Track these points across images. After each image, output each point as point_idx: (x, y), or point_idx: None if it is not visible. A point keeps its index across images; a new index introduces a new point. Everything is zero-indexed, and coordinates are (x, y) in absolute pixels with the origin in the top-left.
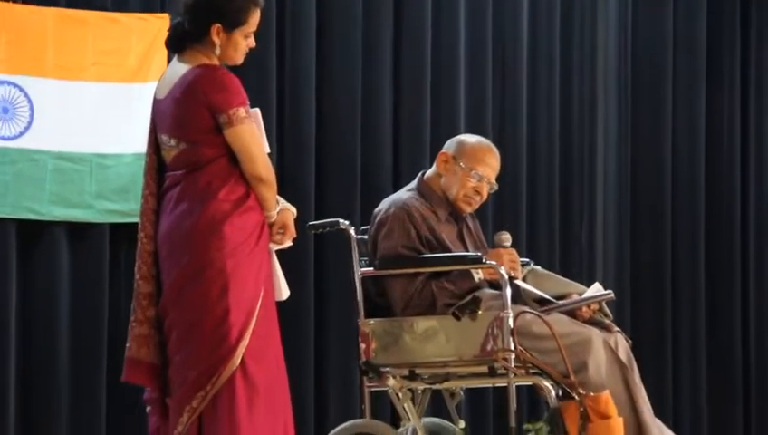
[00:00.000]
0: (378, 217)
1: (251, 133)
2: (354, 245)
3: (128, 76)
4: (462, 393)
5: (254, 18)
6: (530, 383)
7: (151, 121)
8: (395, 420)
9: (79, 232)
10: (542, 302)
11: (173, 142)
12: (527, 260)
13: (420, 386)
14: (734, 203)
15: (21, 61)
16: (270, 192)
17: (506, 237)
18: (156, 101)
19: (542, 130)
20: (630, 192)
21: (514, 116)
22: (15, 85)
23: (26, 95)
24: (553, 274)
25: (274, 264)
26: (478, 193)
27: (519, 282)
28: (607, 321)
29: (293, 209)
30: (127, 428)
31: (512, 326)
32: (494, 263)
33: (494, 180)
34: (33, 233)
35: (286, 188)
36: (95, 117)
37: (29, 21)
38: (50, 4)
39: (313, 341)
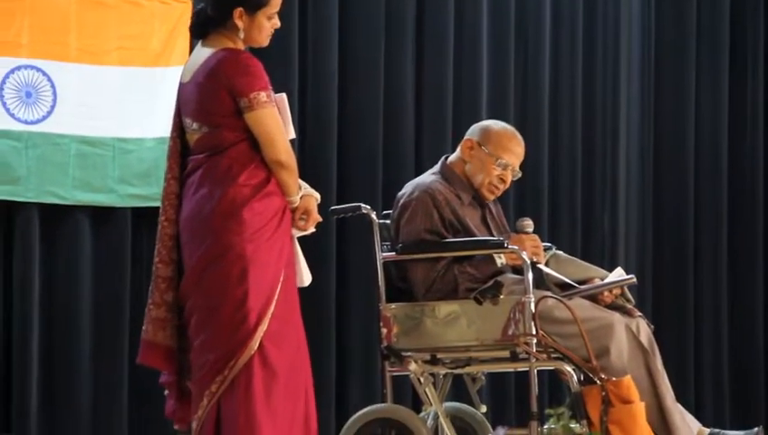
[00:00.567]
0: (401, 201)
1: (272, 118)
2: (376, 229)
3: (150, 60)
4: (483, 378)
5: None
6: (551, 368)
7: (176, 105)
8: (416, 404)
9: (101, 216)
10: (564, 287)
11: (196, 126)
12: (549, 245)
13: (442, 371)
14: (756, 189)
15: (44, 45)
16: (291, 177)
17: (528, 223)
18: (181, 85)
19: (565, 115)
20: (653, 177)
21: (537, 102)
22: (38, 69)
23: (49, 79)
24: (575, 259)
25: (296, 249)
26: (503, 181)
27: (542, 266)
28: (629, 306)
29: (317, 195)
30: (146, 410)
31: (534, 311)
32: (516, 248)
33: (518, 168)
34: (55, 217)
35: (308, 174)
36: (118, 101)
37: (52, 5)
38: None
39: (335, 325)
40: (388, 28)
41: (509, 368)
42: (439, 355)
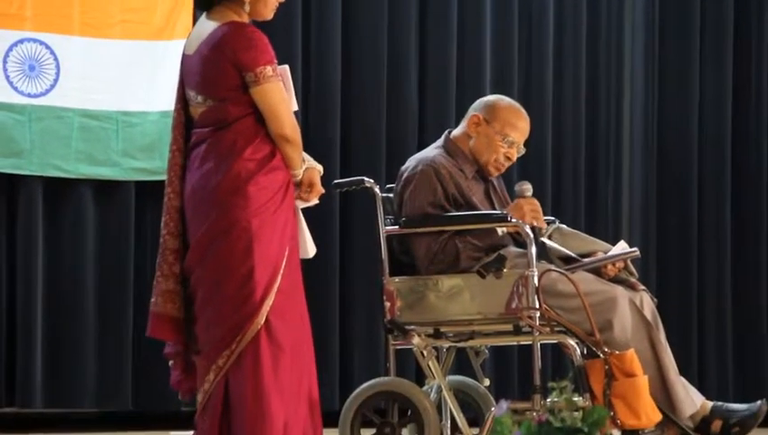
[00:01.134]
0: (404, 175)
1: (278, 92)
2: (379, 203)
3: (153, 34)
4: (487, 351)
5: None
6: (555, 341)
7: (180, 77)
8: (420, 378)
9: (105, 190)
10: (567, 260)
11: (200, 99)
12: (552, 218)
13: (445, 344)
14: (761, 163)
15: (47, 18)
16: (295, 151)
17: (527, 187)
18: (184, 57)
19: (569, 90)
20: (657, 152)
21: (540, 77)
22: (42, 43)
23: (52, 53)
24: (579, 232)
25: (300, 222)
26: (509, 159)
27: (545, 240)
28: (632, 279)
29: (320, 167)
30: (152, 382)
31: (537, 285)
32: (519, 221)
33: (522, 144)
34: (59, 190)
35: (312, 147)
36: (121, 75)
37: None
38: None
39: (338, 299)
40: (391, 10)
41: (512, 341)
42: (442, 329)
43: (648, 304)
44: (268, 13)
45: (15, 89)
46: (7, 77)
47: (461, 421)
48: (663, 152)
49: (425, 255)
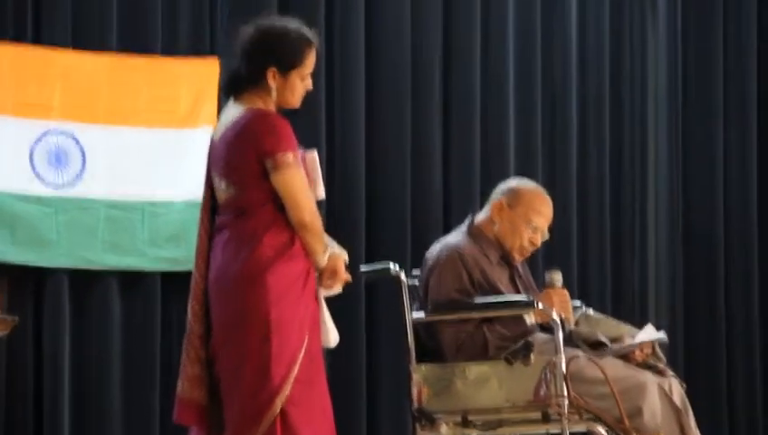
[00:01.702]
0: (430, 261)
1: (297, 179)
2: (405, 290)
3: (179, 122)
4: None
5: (310, 59)
6: (584, 429)
7: (207, 161)
8: None
9: (131, 280)
10: (594, 345)
11: (224, 185)
12: (579, 304)
13: (473, 433)
14: None
15: (74, 107)
16: (315, 239)
17: (558, 278)
18: (212, 142)
19: (593, 170)
20: (682, 234)
21: (564, 157)
22: (68, 134)
23: (78, 143)
24: (606, 317)
25: (322, 311)
26: (533, 244)
27: (572, 327)
28: (660, 365)
29: (345, 255)
30: None
31: (565, 371)
32: (546, 307)
33: (546, 229)
34: (85, 281)
35: (336, 231)
36: (146, 163)
37: (84, 68)
38: (101, 48)
39: (365, 387)
40: (414, 89)
41: (541, 430)
42: (470, 417)
43: (676, 389)
44: (295, 101)
45: (42, 180)
46: (33, 168)
47: None
48: (689, 232)
49: (452, 343)
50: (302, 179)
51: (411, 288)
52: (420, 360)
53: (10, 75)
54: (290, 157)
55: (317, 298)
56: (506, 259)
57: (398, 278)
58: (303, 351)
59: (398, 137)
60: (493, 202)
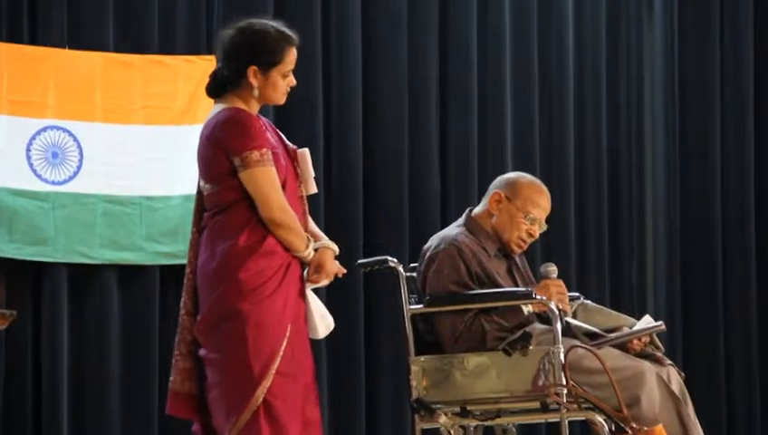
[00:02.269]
0: (427, 254)
1: (264, 177)
2: (403, 282)
3: (175, 118)
4: (514, 429)
5: (290, 57)
6: (583, 418)
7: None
8: None
9: (129, 275)
10: (592, 336)
11: (203, 183)
12: (577, 295)
13: (472, 423)
14: None
15: (70, 105)
16: (290, 234)
17: (553, 269)
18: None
19: (590, 162)
20: (680, 224)
21: (562, 150)
22: (64, 130)
23: (75, 139)
24: (603, 307)
25: (309, 303)
26: (531, 236)
27: (569, 319)
28: (658, 354)
29: (334, 247)
30: None
31: (563, 361)
32: (544, 298)
33: (544, 221)
34: (83, 276)
35: (334, 225)
36: (144, 160)
37: (77, 66)
38: (98, 48)
39: (364, 379)
40: (411, 85)
41: (540, 419)
42: (469, 407)
43: (675, 378)
44: (278, 97)
45: (39, 176)
46: (31, 165)
47: None
48: (687, 225)
49: (450, 334)
50: (271, 177)
51: (409, 280)
52: (419, 354)
53: (5, 74)
54: (256, 154)
55: (302, 291)
56: (504, 252)
57: (395, 270)
58: (285, 343)
59: (395, 132)
60: (491, 194)
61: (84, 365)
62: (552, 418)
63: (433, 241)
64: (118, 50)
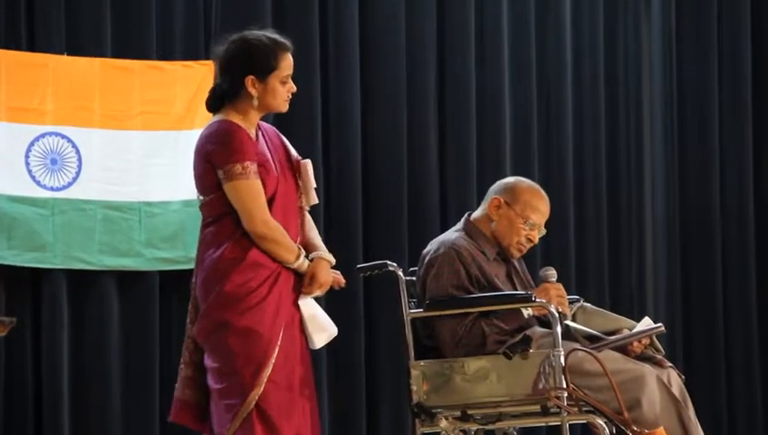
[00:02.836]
0: (427, 258)
1: (247, 190)
2: (403, 286)
3: (173, 124)
4: (515, 433)
5: (286, 62)
6: (583, 422)
7: None
8: None
9: (129, 280)
10: (592, 339)
11: (197, 194)
12: (576, 297)
13: (473, 427)
14: None
15: (69, 112)
16: (275, 247)
17: (552, 273)
18: None
19: (589, 165)
20: (679, 225)
21: (560, 153)
22: (63, 136)
23: (74, 145)
24: (603, 310)
25: (304, 312)
26: (531, 241)
27: (568, 322)
28: (658, 356)
29: (329, 258)
30: None
31: (564, 364)
32: (543, 301)
33: (543, 226)
34: (83, 282)
35: (334, 231)
36: (142, 165)
37: (75, 72)
38: (96, 54)
39: (365, 384)
40: (410, 90)
41: (540, 422)
42: (470, 411)
43: (675, 380)
44: (279, 104)
45: (38, 183)
46: (29, 171)
47: None
48: (686, 226)
49: (450, 338)
50: (254, 190)
51: (408, 284)
52: (419, 358)
53: (3, 81)
54: (238, 168)
55: (295, 301)
56: (503, 256)
57: (395, 274)
58: (276, 351)
59: (393, 138)
60: (490, 199)
61: (84, 371)
62: (553, 421)
63: (432, 245)
64: (116, 56)
